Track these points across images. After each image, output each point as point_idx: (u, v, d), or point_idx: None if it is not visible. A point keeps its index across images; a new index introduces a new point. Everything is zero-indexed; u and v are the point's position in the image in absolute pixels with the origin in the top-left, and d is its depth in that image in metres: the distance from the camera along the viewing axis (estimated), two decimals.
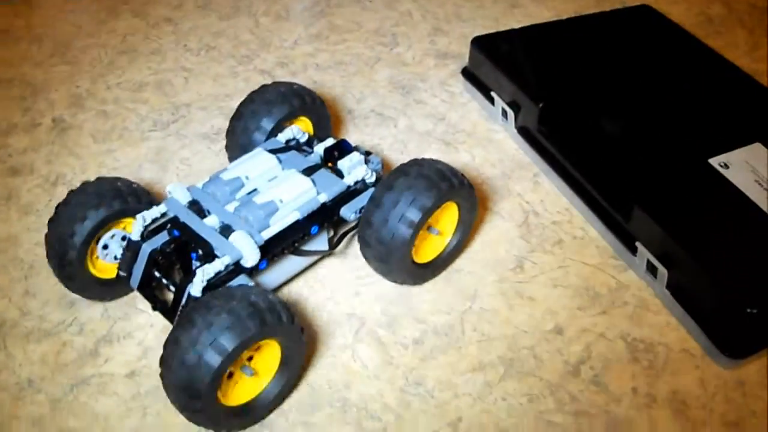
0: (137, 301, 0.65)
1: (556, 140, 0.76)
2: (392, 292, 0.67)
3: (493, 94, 0.84)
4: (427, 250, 0.66)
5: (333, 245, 0.65)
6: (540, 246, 0.71)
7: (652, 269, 0.66)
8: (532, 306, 0.66)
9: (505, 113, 0.82)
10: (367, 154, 0.67)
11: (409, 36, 1.01)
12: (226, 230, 0.58)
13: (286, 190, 0.60)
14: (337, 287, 0.67)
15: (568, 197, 0.75)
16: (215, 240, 0.57)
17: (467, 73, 0.89)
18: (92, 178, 0.61)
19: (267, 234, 0.58)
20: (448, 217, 0.65)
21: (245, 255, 0.56)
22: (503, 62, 0.83)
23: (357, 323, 0.65)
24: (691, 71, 0.84)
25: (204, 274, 0.54)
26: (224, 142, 0.77)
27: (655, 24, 0.91)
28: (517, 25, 0.92)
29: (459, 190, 0.62)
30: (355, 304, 0.66)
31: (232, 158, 0.70)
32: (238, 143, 0.69)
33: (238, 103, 0.74)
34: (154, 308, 0.59)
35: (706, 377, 0.61)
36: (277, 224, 0.58)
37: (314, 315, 0.65)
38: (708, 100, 0.79)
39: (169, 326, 0.60)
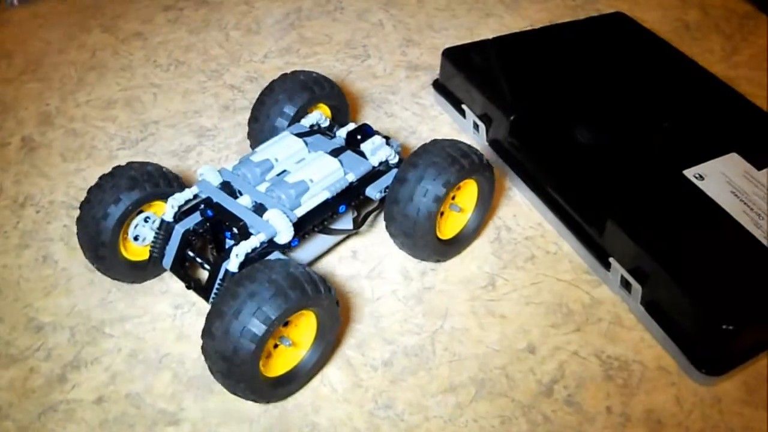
0: (105, 324, 0.64)
1: (528, 153, 0.75)
2: (361, 312, 0.65)
3: (464, 106, 0.82)
4: (450, 226, 0.68)
5: (358, 224, 0.67)
6: (512, 262, 0.70)
7: (626, 285, 0.65)
8: (504, 324, 0.65)
9: (476, 126, 0.81)
10: (387, 138, 0.68)
11: (380, 48, 1.00)
12: (259, 209, 0.60)
13: (315, 171, 0.62)
14: None
15: (541, 211, 0.73)
16: (250, 218, 0.59)
17: (438, 86, 0.88)
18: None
19: (299, 212, 0.60)
20: (469, 194, 0.68)
21: (280, 232, 0.58)
22: (474, 74, 0.82)
23: None
24: (666, 80, 0.83)
25: (241, 250, 0.56)
26: (192, 160, 0.76)
27: (630, 32, 0.90)
28: (490, 35, 0.90)
29: (479, 168, 0.64)
30: None
31: (254, 146, 0.72)
32: (262, 129, 0.71)
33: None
34: (188, 287, 0.61)
35: (682, 394, 0.60)
36: (308, 203, 0.61)
37: None
38: (683, 109, 0.78)
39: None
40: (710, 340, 0.59)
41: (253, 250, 0.57)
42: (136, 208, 0.61)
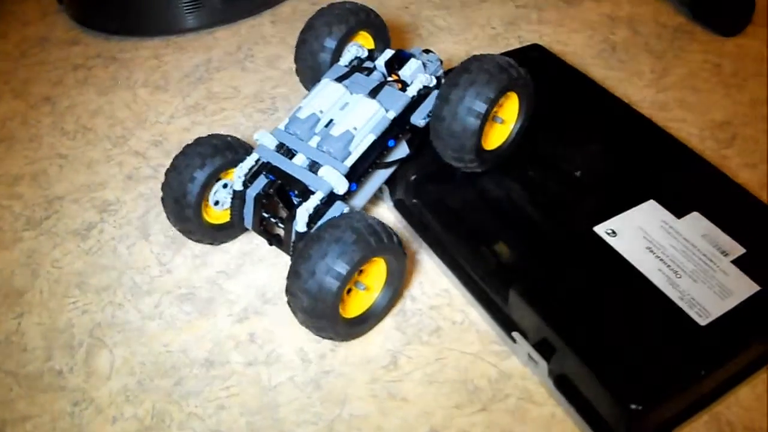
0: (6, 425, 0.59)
1: (431, 214, 0.70)
2: (259, 402, 0.62)
3: None
4: (495, 138, 0.71)
5: (415, 147, 0.71)
6: (416, 336, 0.66)
7: (533, 358, 0.60)
8: (406, 408, 0.61)
9: (379, 188, 0.76)
10: (426, 52, 0.72)
11: (289, 98, 0.96)
12: (313, 166, 0.64)
13: (357, 117, 0.65)
14: (199, 402, 0.62)
15: (447, 277, 0.69)
16: (306, 178, 0.64)
17: None
18: None
19: (350, 161, 0.64)
20: (510, 106, 0.70)
21: (335, 186, 0.62)
22: None
23: None
24: (581, 119, 0.78)
25: (304, 211, 0.62)
26: (94, 239, 0.76)
27: (546, 66, 0.86)
28: None
29: (517, 80, 0.66)
30: (221, 418, 0.61)
31: (304, 82, 0.77)
32: (309, 66, 0.76)
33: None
34: (270, 243, 0.67)
35: None
36: (357, 150, 0.64)
37: None
38: (598, 152, 0.74)
39: None
40: (619, 419, 0.55)
41: (315, 208, 0.62)
42: (216, 174, 0.67)
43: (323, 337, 0.63)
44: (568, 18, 1.09)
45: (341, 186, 0.63)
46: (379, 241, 0.59)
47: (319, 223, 0.63)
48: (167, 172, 0.68)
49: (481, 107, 0.64)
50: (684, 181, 0.71)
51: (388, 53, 0.71)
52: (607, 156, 0.73)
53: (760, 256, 0.63)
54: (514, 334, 0.61)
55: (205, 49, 1.07)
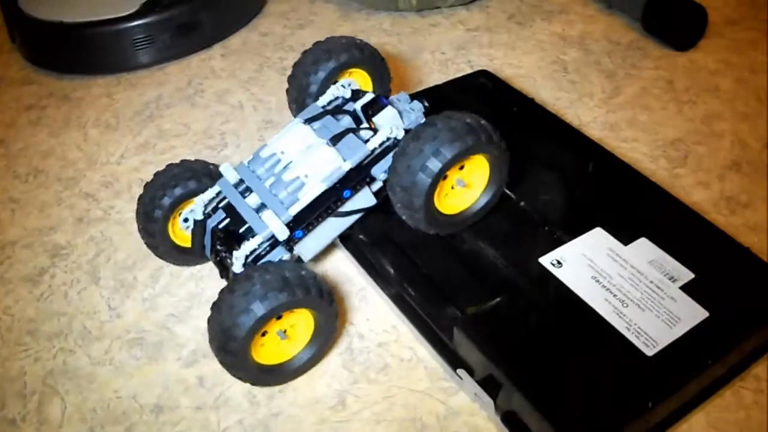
0: None
1: (377, 250, 0.70)
2: None
3: None
4: (456, 203, 0.68)
5: (381, 197, 0.69)
6: (364, 375, 0.65)
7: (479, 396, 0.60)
8: None
9: None
10: (413, 99, 0.70)
11: (239, 134, 0.96)
12: (261, 209, 0.64)
13: (311, 165, 0.65)
14: None
15: (395, 313, 0.69)
16: (253, 219, 0.64)
17: None
18: None
19: (295, 209, 0.63)
20: (480, 171, 0.67)
21: (275, 232, 0.62)
22: None
23: None
24: (527, 146, 0.78)
25: (241, 252, 0.62)
26: (45, 284, 0.76)
27: (493, 92, 0.86)
28: None
29: (486, 145, 0.63)
30: None
31: (293, 109, 0.76)
32: (296, 99, 0.75)
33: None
34: (221, 276, 0.66)
35: None
36: (305, 198, 0.64)
37: None
38: (544, 180, 0.74)
39: None
40: None
41: (252, 251, 0.63)
42: (188, 197, 0.69)
43: (234, 377, 0.62)
44: (519, 40, 1.09)
45: (281, 233, 0.63)
46: (306, 293, 0.59)
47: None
48: (146, 185, 0.70)
49: (435, 165, 0.61)
50: (632, 206, 0.70)
51: (367, 97, 0.70)
52: (553, 184, 0.73)
53: (709, 280, 0.63)
54: (459, 371, 0.61)
55: (156, 85, 1.06)
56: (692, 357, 0.58)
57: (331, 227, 0.68)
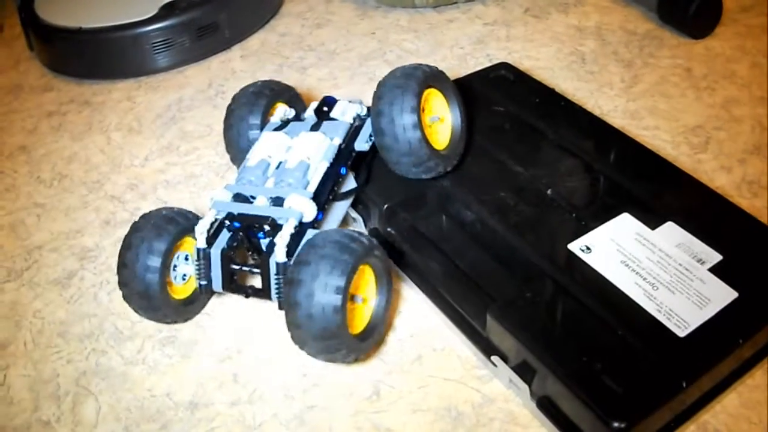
0: None
1: (406, 242, 0.70)
2: None
3: None
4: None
5: (363, 179, 0.72)
6: (398, 365, 0.65)
7: (514, 381, 0.60)
8: None
9: (353, 219, 0.76)
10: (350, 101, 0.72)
11: None
12: (277, 201, 0.63)
13: (307, 148, 0.66)
14: None
15: (426, 303, 0.69)
16: (274, 212, 0.62)
17: None
18: None
19: (311, 188, 0.63)
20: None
21: (305, 212, 0.62)
22: None
23: None
24: (552, 135, 0.78)
25: (281, 240, 0.60)
26: (75, 288, 0.76)
27: (515, 84, 0.86)
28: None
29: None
30: None
31: (235, 160, 0.76)
32: (239, 147, 0.75)
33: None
34: (246, 296, 0.63)
35: None
36: (315, 177, 0.64)
37: None
38: (570, 167, 0.74)
39: None
40: None
41: (291, 236, 0.60)
42: (170, 250, 0.64)
43: (338, 361, 0.59)
44: (536, 33, 1.09)
45: (310, 211, 0.62)
46: (362, 246, 0.57)
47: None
48: (119, 269, 0.64)
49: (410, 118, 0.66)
50: (657, 191, 0.70)
51: (314, 103, 0.73)
52: (579, 172, 0.73)
53: (736, 261, 0.63)
54: (494, 358, 0.61)
55: (177, 88, 1.07)
56: (723, 337, 0.58)
57: (336, 211, 0.69)
